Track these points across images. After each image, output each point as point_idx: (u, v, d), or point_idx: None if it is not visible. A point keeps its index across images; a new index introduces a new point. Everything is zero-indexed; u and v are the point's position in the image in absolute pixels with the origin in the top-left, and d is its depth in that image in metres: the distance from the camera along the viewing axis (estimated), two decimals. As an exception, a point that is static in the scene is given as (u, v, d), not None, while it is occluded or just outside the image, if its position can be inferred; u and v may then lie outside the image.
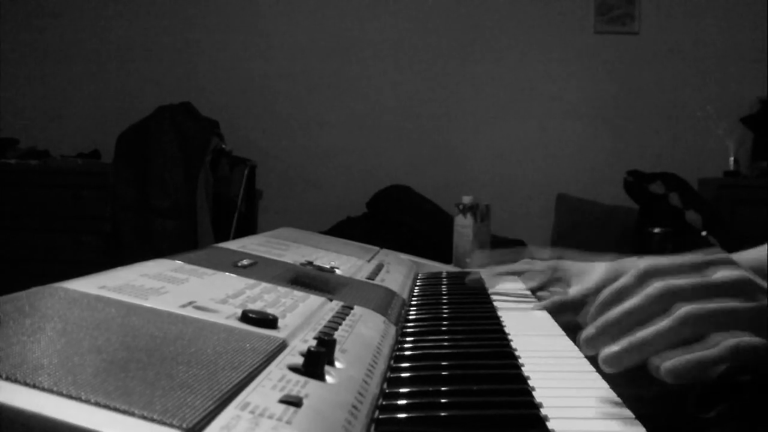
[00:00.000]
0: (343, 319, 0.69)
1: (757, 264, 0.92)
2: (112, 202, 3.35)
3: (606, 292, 0.63)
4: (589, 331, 0.60)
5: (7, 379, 0.36)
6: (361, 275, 1.00)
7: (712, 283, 0.59)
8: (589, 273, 1.02)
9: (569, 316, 0.97)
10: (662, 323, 0.57)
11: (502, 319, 0.88)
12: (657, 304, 0.59)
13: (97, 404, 0.35)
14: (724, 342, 0.56)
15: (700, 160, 3.75)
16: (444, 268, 1.38)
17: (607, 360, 0.58)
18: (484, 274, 1.19)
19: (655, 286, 0.60)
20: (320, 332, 0.61)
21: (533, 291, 1.15)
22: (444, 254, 1.67)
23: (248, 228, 3.40)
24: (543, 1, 3.89)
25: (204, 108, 3.54)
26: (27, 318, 0.47)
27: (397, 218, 3.45)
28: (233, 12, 3.90)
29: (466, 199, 1.67)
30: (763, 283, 0.60)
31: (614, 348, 0.57)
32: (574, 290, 1.01)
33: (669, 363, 0.56)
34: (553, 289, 1.14)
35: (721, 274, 0.60)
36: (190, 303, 0.59)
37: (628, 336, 0.58)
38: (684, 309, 0.57)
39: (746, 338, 0.56)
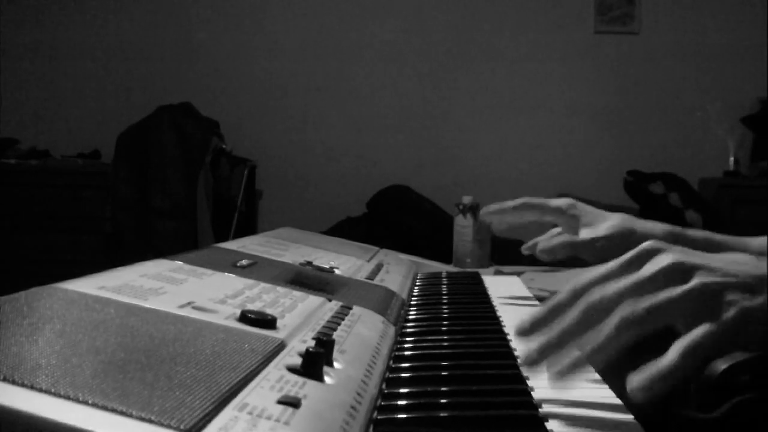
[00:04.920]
0: (342, 320, 0.68)
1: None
2: (112, 202, 3.35)
3: (540, 310, 0.60)
4: (531, 355, 0.57)
5: (5, 380, 0.36)
6: (361, 275, 1.00)
7: (641, 279, 0.56)
8: (602, 221, 1.01)
9: (572, 257, 0.97)
10: (601, 335, 0.54)
11: (501, 319, 0.88)
12: (592, 317, 0.56)
13: (95, 405, 0.35)
14: (672, 349, 0.52)
15: (700, 160, 3.75)
16: (444, 268, 1.38)
17: (554, 377, 0.55)
18: (494, 214, 1.13)
19: (587, 298, 0.57)
20: (319, 332, 0.61)
21: (535, 246, 1.10)
22: (444, 254, 1.67)
23: (248, 228, 3.40)
24: (543, 1, 3.89)
25: (204, 108, 3.54)
26: (25, 318, 0.47)
27: (397, 218, 3.45)
28: (233, 12, 3.90)
29: (466, 199, 1.67)
30: (694, 258, 0.56)
31: (560, 365, 0.55)
32: (585, 233, 1.01)
33: (634, 384, 0.52)
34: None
35: (649, 266, 0.57)
36: (188, 303, 0.59)
37: (573, 354, 0.55)
38: (618, 315, 0.54)
39: (693, 335, 0.52)
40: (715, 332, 0.52)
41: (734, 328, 0.52)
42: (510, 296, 1.08)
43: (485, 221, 1.15)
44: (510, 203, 1.11)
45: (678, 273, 0.55)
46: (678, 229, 0.98)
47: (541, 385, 0.61)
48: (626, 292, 0.55)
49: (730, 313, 0.52)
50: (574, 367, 0.54)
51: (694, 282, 0.54)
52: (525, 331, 0.59)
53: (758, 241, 0.96)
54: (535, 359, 0.56)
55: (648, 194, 3.40)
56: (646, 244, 0.59)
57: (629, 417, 0.56)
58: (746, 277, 0.54)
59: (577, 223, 1.04)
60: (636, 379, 0.51)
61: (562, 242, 1.01)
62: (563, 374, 0.54)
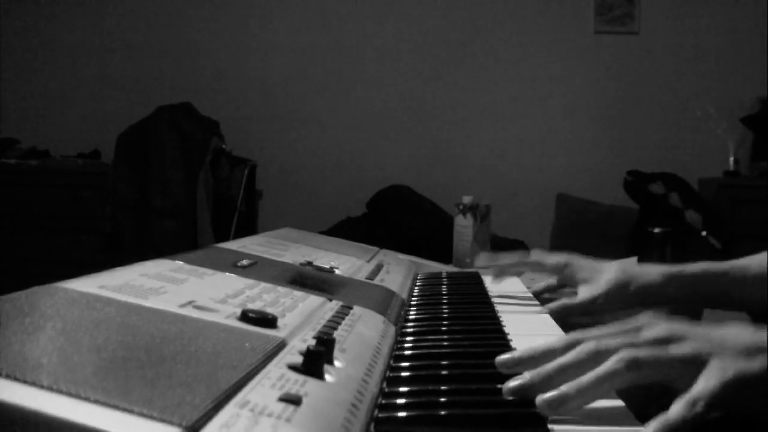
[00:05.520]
0: (343, 319, 0.69)
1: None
2: (112, 202, 3.35)
3: (530, 351, 0.61)
4: (519, 381, 0.57)
5: (7, 377, 0.36)
6: (361, 275, 1.00)
7: (642, 339, 0.59)
8: (598, 277, 1.02)
9: (576, 319, 0.98)
10: (603, 366, 0.56)
11: (501, 319, 0.88)
12: (591, 362, 0.57)
13: (96, 402, 0.35)
14: (674, 405, 0.53)
15: (700, 160, 3.75)
16: (444, 268, 1.38)
17: (548, 404, 0.55)
18: (489, 267, 1.17)
19: (587, 345, 0.59)
20: (320, 332, 0.61)
21: (539, 293, 1.14)
22: (444, 254, 1.67)
23: (248, 228, 3.40)
24: (543, 1, 3.89)
25: (204, 108, 3.54)
26: (27, 317, 0.47)
27: (397, 218, 3.45)
28: (233, 12, 3.91)
29: (466, 199, 1.67)
30: (694, 330, 0.59)
31: (559, 391, 0.55)
32: (583, 293, 1.02)
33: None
34: (559, 290, 1.14)
35: (650, 331, 0.60)
36: (189, 303, 0.59)
37: (570, 383, 0.56)
38: (624, 352, 0.56)
39: (693, 392, 0.54)
40: (713, 389, 0.54)
41: (730, 388, 0.54)
42: (512, 298, 1.08)
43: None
44: (506, 261, 1.16)
45: (675, 339, 0.58)
46: (675, 269, 0.98)
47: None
48: (624, 345, 0.58)
49: (727, 377, 0.54)
50: (568, 400, 0.55)
51: (692, 346, 0.57)
52: (508, 365, 0.61)
53: (758, 260, 0.96)
54: (525, 387, 0.57)
55: (648, 194, 3.40)
56: (643, 317, 0.62)
57: (629, 414, 0.56)
58: (743, 344, 0.57)
59: (574, 279, 1.06)
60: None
61: (562, 306, 1.01)
62: (555, 405, 0.55)
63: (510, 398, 0.57)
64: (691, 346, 0.57)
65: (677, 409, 0.53)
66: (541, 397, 0.55)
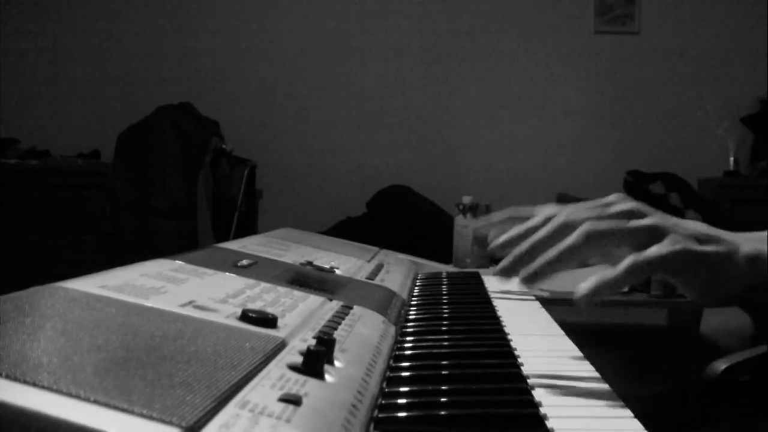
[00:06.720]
0: (343, 319, 0.69)
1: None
2: (112, 202, 3.35)
3: (515, 230, 0.70)
4: (503, 263, 0.67)
5: (7, 377, 0.36)
6: (361, 275, 1.00)
7: (607, 213, 0.66)
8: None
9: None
10: (566, 240, 0.64)
11: (501, 319, 0.88)
12: (559, 234, 0.65)
13: (96, 402, 0.35)
14: (622, 263, 0.61)
15: (700, 160, 3.75)
16: (444, 268, 1.38)
17: (524, 279, 0.65)
18: (483, 228, 1.19)
19: (557, 219, 0.66)
20: (320, 332, 0.61)
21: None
22: (444, 254, 1.67)
23: (248, 228, 3.40)
24: (543, 1, 3.89)
25: (204, 108, 3.54)
26: (27, 317, 0.47)
27: (397, 218, 3.46)
28: (233, 12, 3.91)
29: (466, 199, 1.68)
30: (654, 210, 0.67)
31: (529, 268, 0.64)
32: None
33: (580, 291, 0.61)
34: None
35: (616, 206, 0.67)
36: (189, 302, 0.59)
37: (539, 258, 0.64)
38: (585, 225, 0.64)
39: (642, 256, 0.61)
40: (661, 257, 0.61)
41: (677, 261, 0.61)
42: (510, 294, 1.08)
43: (479, 236, 1.23)
44: (497, 216, 1.18)
45: (638, 213, 0.66)
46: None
47: (540, 384, 0.61)
48: (590, 218, 0.65)
49: (676, 247, 0.61)
50: (540, 273, 0.64)
51: (651, 219, 0.65)
52: (499, 247, 0.71)
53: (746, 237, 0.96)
54: (507, 268, 0.67)
55: (648, 194, 3.40)
56: (613, 196, 0.70)
57: (629, 415, 0.56)
58: (698, 231, 0.65)
59: None
60: (583, 286, 0.60)
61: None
62: (530, 279, 0.64)
63: (509, 398, 0.57)
64: (652, 220, 0.64)
65: (620, 269, 0.59)
66: (520, 277, 0.65)
